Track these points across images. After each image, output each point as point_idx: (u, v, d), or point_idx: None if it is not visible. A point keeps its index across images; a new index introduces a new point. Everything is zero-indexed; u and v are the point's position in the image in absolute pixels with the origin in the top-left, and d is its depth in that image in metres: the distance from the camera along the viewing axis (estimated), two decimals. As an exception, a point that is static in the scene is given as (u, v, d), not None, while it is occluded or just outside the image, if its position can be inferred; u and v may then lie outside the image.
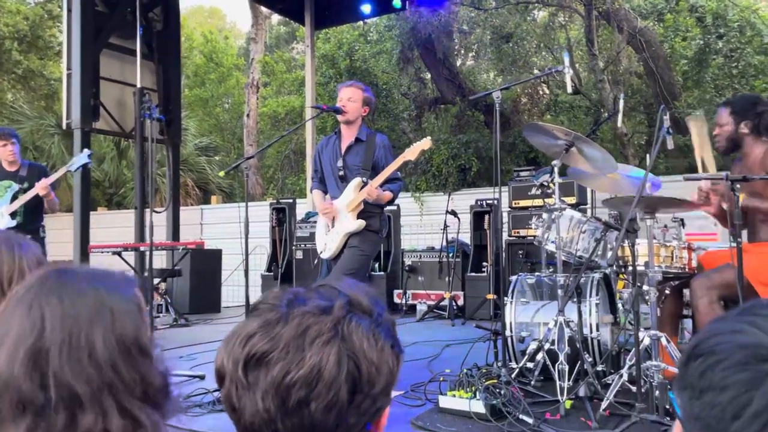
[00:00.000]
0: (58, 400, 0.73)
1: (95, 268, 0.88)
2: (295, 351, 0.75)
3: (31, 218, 5.16)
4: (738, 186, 2.80)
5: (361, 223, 3.79)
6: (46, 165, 14.39)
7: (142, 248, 6.58)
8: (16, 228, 4.94)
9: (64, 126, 7.58)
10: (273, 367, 0.75)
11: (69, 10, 7.31)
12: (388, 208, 4.33)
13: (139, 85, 7.77)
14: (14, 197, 5.09)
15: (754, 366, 0.53)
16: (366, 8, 9.26)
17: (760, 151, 3.32)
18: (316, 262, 4.20)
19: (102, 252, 6.66)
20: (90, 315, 0.77)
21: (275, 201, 8.66)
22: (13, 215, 5.08)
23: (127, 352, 0.78)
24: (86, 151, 5.33)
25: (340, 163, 3.93)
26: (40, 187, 4.97)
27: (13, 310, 0.79)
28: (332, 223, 3.92)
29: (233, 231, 10.01)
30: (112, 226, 11.20)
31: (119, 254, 6.60)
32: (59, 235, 9.00)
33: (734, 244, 2.85)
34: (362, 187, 3.79)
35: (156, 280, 6.86)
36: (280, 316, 0.78)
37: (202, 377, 3.82)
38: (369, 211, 3.84)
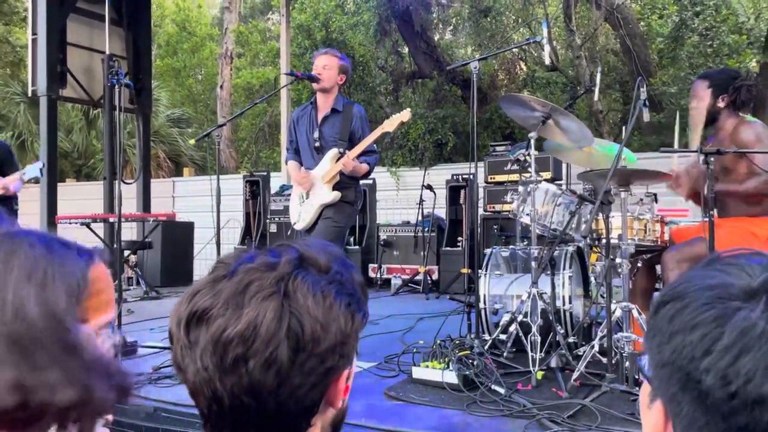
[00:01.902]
0: None
1: (56, 236, 0.81)
2: (235, 307, 0.71)
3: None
4: (712, 159, 2.81)
5: (337, 194, 3.74)
6: (12, 135, 14.03)
7: (111, 219, 6.45)
8: None
9: (29, 93, 7.34)
10: (212, 324, 0.71)
11: (34, -28, 7.03)
12: (364, 181, 4.28)
13: (107, 52, 7.53)
14: None
15: (722, 304, 0.54)
16: (343, -22, 9.09)
17: (731, 125, 3.34)
18: (289, 233, 4.15)
19: (70, 223, 6.50)
20: (19, 274, 0.71)
21: (249, 174, 8.54)
22: None
23: (53, 319, 0.72)
24: (39, 162, 5.26)
25: (316, 135, 3.86)
26: None
27: None
28: (307, 194, 3.87)
29: (206, 204, 9.83)
30: (81, 198, 10.96)
31: (88, 225, 6.45)
32: (26, 207, 8.74)
33: (706, 219, 2.87)
34: (339, 159, 3.74)
35: (126, 252, 6.74)
36: (226, 273, 0.75)
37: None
38: (344, 182, 3.79)
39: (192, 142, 4.23)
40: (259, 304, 0.71)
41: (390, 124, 3.76)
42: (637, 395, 2.71)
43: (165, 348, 3.79)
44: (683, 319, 0.55)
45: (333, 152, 3.78)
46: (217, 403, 0.73)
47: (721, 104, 3.35)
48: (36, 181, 5.29)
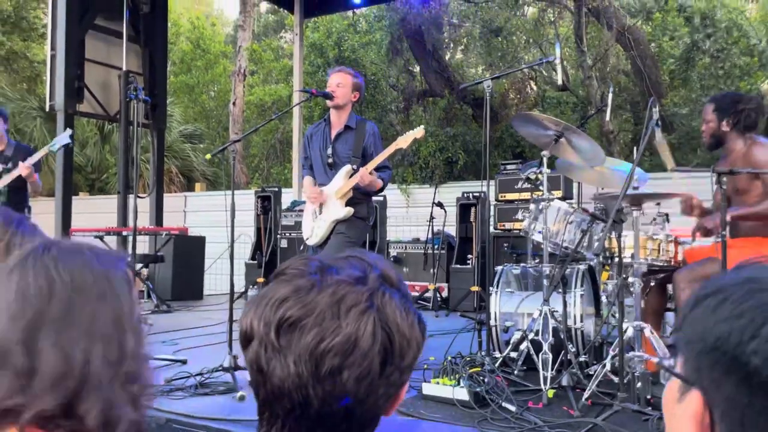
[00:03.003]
0: (44, 370, 0.71)
1: (87, 242, 0.86)
2: (331, 318, 0.75)
3: (15, 199, 5.07)
4: (724, 179, 2.82)
5: (350, 210, 3.77)
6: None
7: (124, 233, 6.51)
8: None
9: (47, 108, 7.46)
10: (307, 333, 0.74)
11: (54, -10, 7.18)
12: (375, 198, 4.32)
13: (124, 68, 7.66)
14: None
15: (760, 294, 0.61)
16: (356, -3, 9.21)
17: (742, 147, 3.35)
18: (302, 248, 4.19)
19: (83, 236, 6.57)
20: (95, 289, 0.75)
21: (260, 189, 8.60)
22: None
23: (122, 331, 0.77)
24: (68, 131, 5.26)
25: (329, 151, 3.91)
26: (23, 168, 4.89)
27: (11, 275, 0.76)
28: (320, 209, 3.90)
29: (217, 219, 9.90)
30: (95, 212, 11.05)
31: (101, 238, 6.52)
32: (41, 220, 8.81)
33: (719, 240, 2.87)
34: (352, 175, 3.78)
35: (138, 266, 6.79)
36: (313, 282, 0.78)
37: (184, 362, 3.79)
38: (357, 198, 3.83)
39: (208, 156, 4.28)
40: (357, 317, 0.75)
41: (404, 141, 3.80)
42: (650, 415, 2.70)
43: (177, 361, 3.81)
44: (726, 308, 0.61)
45: (346, 168, 3.82)
46: (302, 408, 0.75)
47: (725, 128, 3.37)
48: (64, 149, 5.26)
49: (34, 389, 0.70)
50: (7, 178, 5.00)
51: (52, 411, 0.70)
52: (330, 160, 3.91)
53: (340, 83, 3.88)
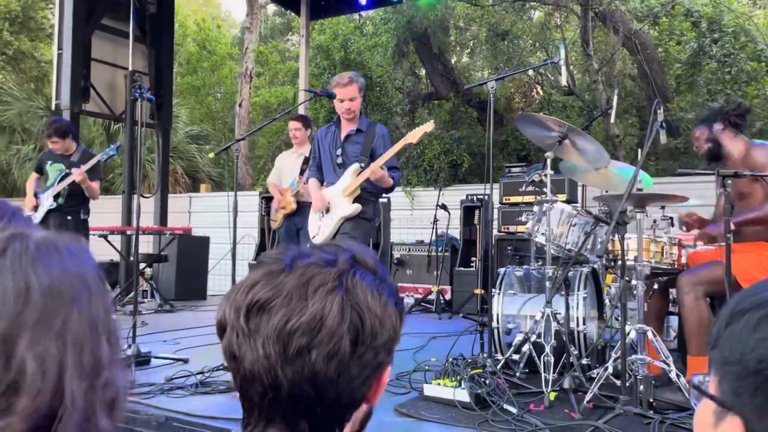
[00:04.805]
0: (27, 385, 0.63)
1: (57, 235, 0.77)
2: (298, 299, 0.75)
3: (73, 201, 5.44)
4: (729, 182, 2.80)
5: (357, 206, 3.79)
6: (33, 147, 14.29)
7: (128, 232, 6.52)
8: (56, 210, 5.39)
9: (53, 107, 7.50)
10: (275, 314, 0.74)
11: (62, -10, 7.22)
12: (379, 200, 4.33)
13: (130, 68, 7.69)
14: (60, 181, 5.38)
15: None
16: (362, 0, 9.22)
17: (741, 150, 3.35)
18: (308, 247, 4.18)
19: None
20: (70, 292, 0.69)
21: (265, 190, 8.60)
22: (56, 197, 5.40)
23: (98, 337, 0.69)
24: (117, 143, 5.56)
25: (338, 151, 3.95)
26: (77, 174, 5.22)
27: None
28: (327, 208, 3.93)
29: (221, 220, 9.94)
30: (99, 211, 11.04)
31: (105, 237, 6.53)
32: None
33: (722, 243, 2.85)
34: (360, 173, 3.79)
35: (142, 265, 6.80)
36: (283, 266, 0.78)
37: (185, 361, 3.79)
38: (364, 198, 3.85)
39: (211, 155, 4.31)
40: (323, 297, 0.75)
41: (413, 136, 3.80)
42: (651, 418, 2.68)
43: (178, 359, 3.81)
44: None
45: (354, 167, 3.84)
46: (274, 391, 0.75)
47: (718, 130, 3.41)
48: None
49: (17, 408, 0.62)
50: (63, 183, 5.33)
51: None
52: (339, 160, 3.94)
53: (352, 97, 3.88)
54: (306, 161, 5.40)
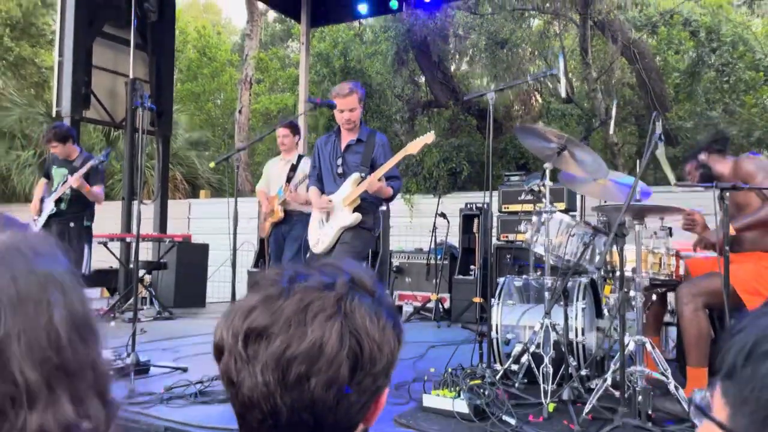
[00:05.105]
0: (21, 392, 0.61)
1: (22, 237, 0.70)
2: (297, 325, 0.74)
3: (75, 207, 5.48)
4: (727, 194, 2.82)
5: (357, 216, 3.79)
6: (33, 153, 14.29)
7: (128, 239, 6.52)
8: (57, 215, 5.40)
9: (53, 113, 7.51)
10: (273, 341, 0.74)
11: (63, -3, 7.25)
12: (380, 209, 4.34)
13: (131, 76, 7.71)
14: (62, 186, 5.40)
15: None
16: (362, 8, 9.26)
17: (730, 166, 3.46)
18: (308, 256, 4.20)
19: (87, 241, 6.57)
20: (45, 294, 0.65)
21: (264, 197, 8.60)
22: (57, 202, 5.42)
23: (79, 331, 0.66)
24: (107, 148, 5.70)
25: (339, 161, 3.95)
26: (73, 180, 5.24)
27: None
28: (327, 217, 3.93)
29: (221, 226, 9.94)
30: (99, 217, 11.07)
31: (105, 244, 6.53)
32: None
33: (721, 256, 2.87)
34: (360, 182, 3.80)
35: (141, 272, 6.80)
36: (281, 290, 0.77)
37: (184, 369, 3.78)
38: (365, 207, 3.85)
39: (212, 165, 4.32)
40: (322, 323, 0.74)
41: (414, 147, 3.81)
42: (651, 431, 2.69)
43: (177, 368, 3.81)
44: None
45: (354, 176, 3.85)
46: (273, 418, 0.75)
47: (704, 158, 3.54)
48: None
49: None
50: (63, 188, 5.37)
51: None
52: (340, 170, 3.95)
53: (353, 108, 3.89)
54: (293, 168, 5.35)
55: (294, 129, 5.60)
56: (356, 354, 0.75)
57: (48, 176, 5.66)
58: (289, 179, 5.28)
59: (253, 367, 0.74)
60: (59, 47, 7.34)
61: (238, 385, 0.76)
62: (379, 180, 3.73)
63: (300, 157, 5.45)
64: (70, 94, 7.05)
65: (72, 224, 5.44)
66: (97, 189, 5.47)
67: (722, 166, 3.50)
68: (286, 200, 5.23)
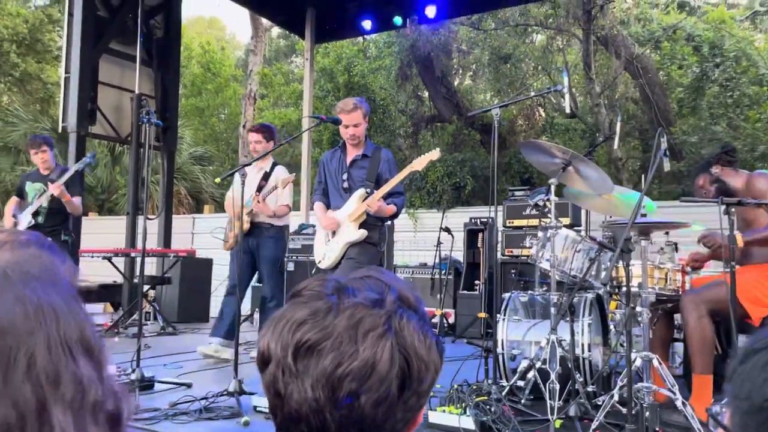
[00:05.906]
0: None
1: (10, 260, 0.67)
2: (348, 342, 0.74)
3: (53, 221, 5.35)
4: (733, 210, 2.82)
5: (363, 232, 3.80)
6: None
7: (132, 254, 6.53)
8: (35, 227, 5.15)
9: (60, 129, 7.56)
10: (325, 357, 0.74)
11: (70, 14, 7.33)
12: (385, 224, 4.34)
13: (137, 91, 7.77)
14: (39, 198, 5.29)
15: None
16: (367, 24, 9.33)
17: (742, 182, 3.44)
18: (313, 271, 4.20)
19: (92, 257, 6.60)
20: (30, 324, 0.60)
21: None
22: (35, 215, 5.27)
23: (74, 355, 0.62)
24: (90, 153, 5.59)
25: (344, 176, 3.97)
26: (53, 188, 5.13)
27: None
28: (332, 233, 3.94)
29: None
30: (104, 232, 11.12)
31: (109, 259, 6.55)
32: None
33: (727, 270, 2.86)
34: (365, 198, 3.81)
35: (145, 287, 6.80)
36: (330, 305, 0.77)
37: (188, 385, 3.77)
38: (370, 223, 3.86)
39: (217, 180, 4.31)
40: (374, 342, 0.74)
41: (419, 163, 3.82)
42: (658, 448, 2.66)
43: (181, 384, 3.80)
44: None
45: (360, 192, 3.86)
46: None
47: (716, 170, 3.51)
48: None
49: None
50: (41, 199, 5.24)
51: None
52: (345, 185, 3.97)
53: (357, 123, 3.91)
54: (265, 177, 4.95)
55: (267, 133, 5.00)
56: (405, 372, 0.75)
57: (21, 194, 5.48)
58: (260, 188, 4.87)
59: (302, 381, 0.74)
60: (65, 63, 7.41)
61: (286, 398, 0.75)
62: (380, 200, 3.74)
63: (274, 165, 5.08)
64: (76, 110, 7.09)
65: (48, 239, 5.41)
66: (76, 200, 5.34)
67: (737, 180, 3.49)
68: (253, 211, 4.82)
